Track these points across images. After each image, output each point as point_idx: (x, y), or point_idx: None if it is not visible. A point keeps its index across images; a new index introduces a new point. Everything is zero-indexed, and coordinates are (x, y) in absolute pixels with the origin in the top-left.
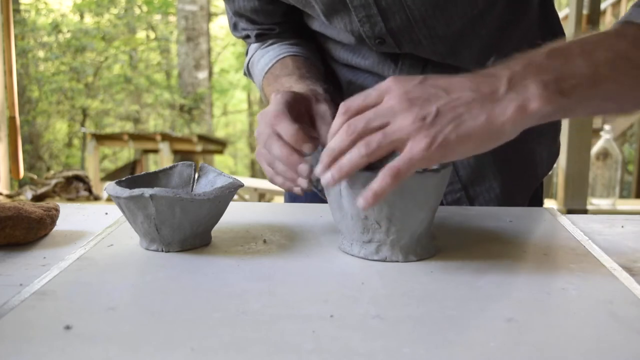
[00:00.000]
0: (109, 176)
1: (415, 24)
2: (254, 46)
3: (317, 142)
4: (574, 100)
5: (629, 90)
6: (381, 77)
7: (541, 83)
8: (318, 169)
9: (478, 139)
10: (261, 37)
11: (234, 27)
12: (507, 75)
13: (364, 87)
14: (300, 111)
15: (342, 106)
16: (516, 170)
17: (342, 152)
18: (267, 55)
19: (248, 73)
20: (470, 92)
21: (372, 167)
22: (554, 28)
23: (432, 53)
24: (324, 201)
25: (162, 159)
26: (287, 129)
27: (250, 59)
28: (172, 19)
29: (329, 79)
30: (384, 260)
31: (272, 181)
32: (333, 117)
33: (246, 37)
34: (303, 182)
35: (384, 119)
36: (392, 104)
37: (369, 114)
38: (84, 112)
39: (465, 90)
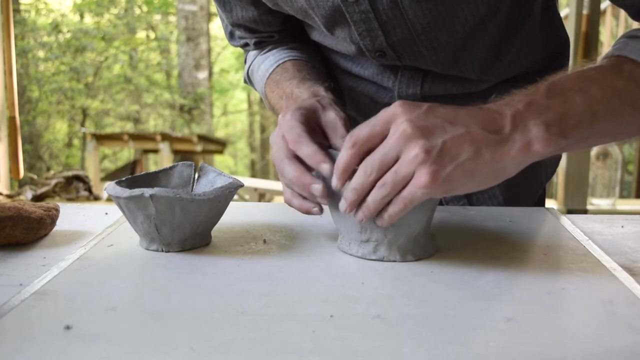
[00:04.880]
0: (109, 176)
1: (417, 36)
2: (252, 53)
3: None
4: (572, 140)
5: (623, 126)
6: (381, 87)
7: (543, 125)
8: (342, 205)
9: (482, 177)
10: (260, 45)
11: (231, 36)
12: (510, 114)
13: (365, 93)
14: (312, 126)
15: (350, 138)
16: (519, 177)
17: (364, 192)
18: (267, 61)
19: (249, 80)
20: (476, 128)
21: None
22: (557, 32)
23: (433, 64)
24: None
25: (162, 159)
26: (309, 153)
27: (249, 66)
28: (172, 19)
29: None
30: (382, 260)
31: (289, 204)
32: (342, 121)
33: (244, 46)
34: (322, 201)
35: (394, 152)
36: (398, 134)
37: (381, 150)
38: (84, 112)
39: (471, 125)
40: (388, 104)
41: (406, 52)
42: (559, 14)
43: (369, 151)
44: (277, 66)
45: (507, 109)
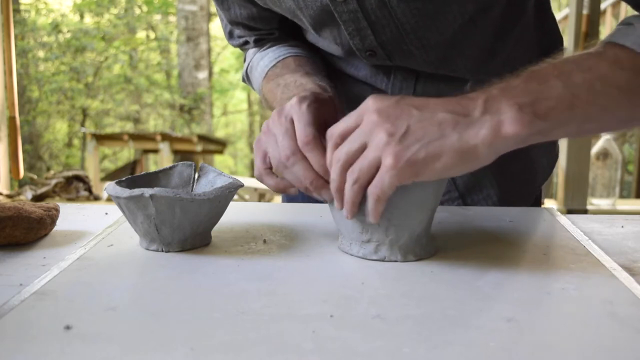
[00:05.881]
0: (109, 176)
1: (406, 35)
2: (251, 51)
3: None
4: (551, 123)
5: (609, 111)
6: (375, 89)
7: (516, 106)
8: (336, 204)
9: (450, 159)
10: (259, 42)
11: (230, 35)
12: (482, 98)
13: (360, 96)
14: (320, 122)
15: (327, 134)
16: (514, 178)
17: (339, 183)
18: (267, 57)
19: (247, 79)
20: (444, 113)
21: None
22: (550, 31)
23: (424, 63)
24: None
25: (162, 159)
26: (319, 160)
27: (249, 64)
28: (172, 19)
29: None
30: (383, 260)
31: (260, 180)
32: None
33: (244, 44)
34: (327, 197)
35: (362, 139)
36: (367, 122)
37: (349, 139)
38: (84, 112)
39: (439, 110)
40: None
41: (396, 51)
42: (552, 13)
43: None
44: (278, 61)
45: (481, 94)
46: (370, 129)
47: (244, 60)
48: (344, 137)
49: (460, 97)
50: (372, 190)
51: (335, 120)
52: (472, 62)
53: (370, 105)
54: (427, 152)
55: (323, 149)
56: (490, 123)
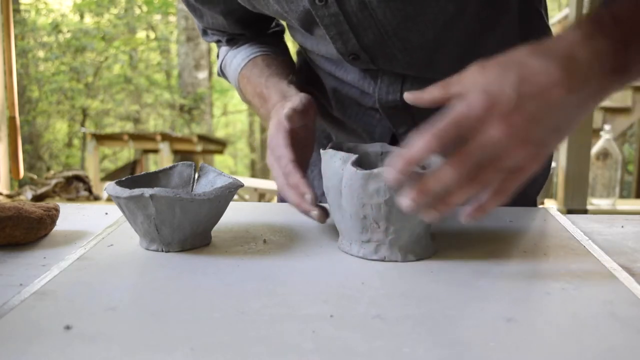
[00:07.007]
0: (109, 176)
1: (388, 38)
2: (224, 48)
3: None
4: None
5: None
6: (364, 92)
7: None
8: (405, 191)
9: (572, 130)
10: (232, 42)
11: (204, 33)
12: (589, 60)
13: (349, 96)
14: (296, 132)
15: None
16: None
17: (454, 187)
18: (239, 56)
19: (222, 74)
20: (558, 88)
21: (364, 166)
22: (538, 28)
23: (407, 66)
24: (323, 201)
25: (162, 159)
26: (295, 179)
27: (222, 61)
28: (172, 19)
29: (319, 87)
30: (383, 260)
31: (284, 195)
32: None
33: (217, 41)
34: (319, 221)
35: (494, 153)
36: (497, 138)
37: (477, 154)
38: (84, 112)
39: (556, 93)
40: (372, 109)
41: (379, 54)
42: (539, 10)
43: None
44: (249, 61)
45: (581, 55)
46: (506, 148)
47: (217, 56)
48: (449, 131)
49: (564, 49)
50: (501, 192)
51: (304, 117)
52: (455, 63)
53: (485, 106)
54: (560, 136)
55: (298, 171)
56: (596, 96)
